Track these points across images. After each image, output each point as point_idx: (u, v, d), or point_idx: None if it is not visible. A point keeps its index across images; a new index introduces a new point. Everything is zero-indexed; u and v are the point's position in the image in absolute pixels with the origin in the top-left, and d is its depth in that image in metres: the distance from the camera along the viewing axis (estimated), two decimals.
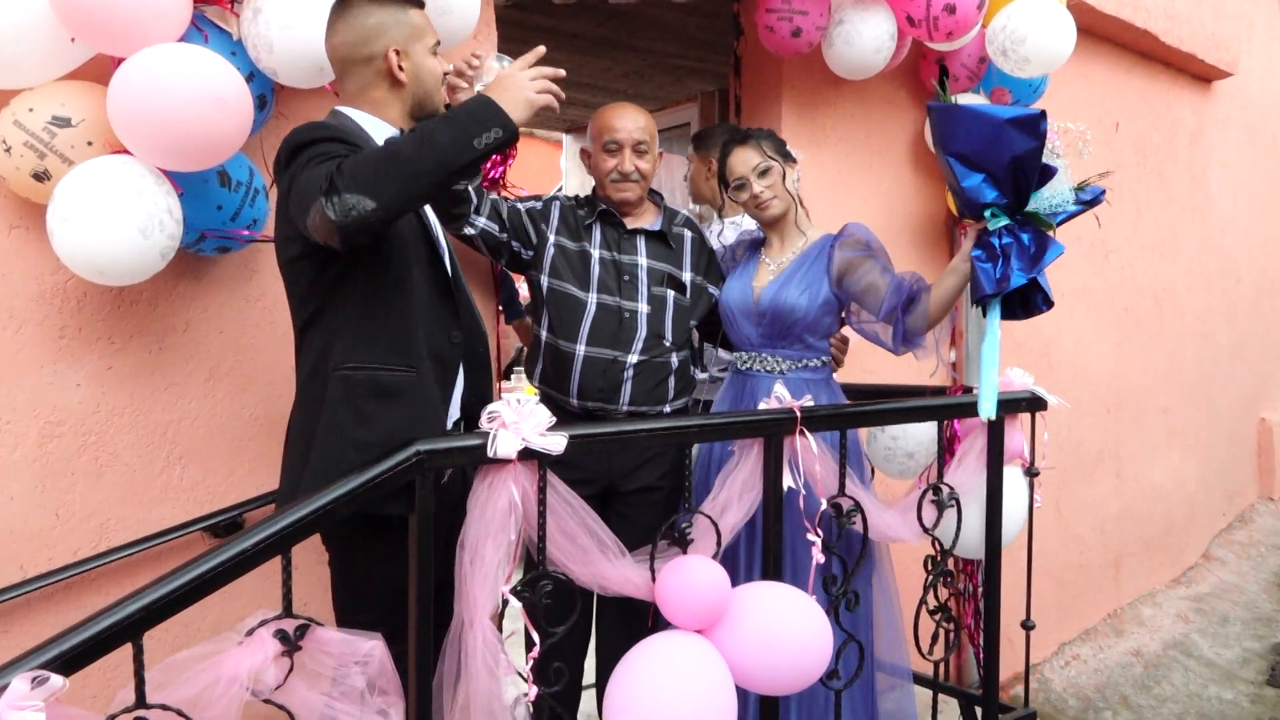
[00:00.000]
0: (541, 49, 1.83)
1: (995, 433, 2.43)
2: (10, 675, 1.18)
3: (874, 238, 2.43)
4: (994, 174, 2.12)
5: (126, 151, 1.85)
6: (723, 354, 2.94)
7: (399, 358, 1.78)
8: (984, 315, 2.23)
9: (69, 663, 1.25)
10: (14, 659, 1.22)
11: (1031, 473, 2.62)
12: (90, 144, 1.85)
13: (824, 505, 2.07)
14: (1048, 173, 2.15)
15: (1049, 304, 2.23)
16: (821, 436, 2.08)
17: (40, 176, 1.83)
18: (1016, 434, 2.56)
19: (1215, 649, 4.55)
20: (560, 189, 2.57)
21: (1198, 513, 5.55)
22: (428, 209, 1.95)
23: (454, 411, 1.95)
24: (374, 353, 1.77)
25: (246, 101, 1.86)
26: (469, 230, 2.37)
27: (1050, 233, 2.18)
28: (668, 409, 2.43)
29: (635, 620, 2.31)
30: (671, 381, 2.44)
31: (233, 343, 2.23)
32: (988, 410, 2.21)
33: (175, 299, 2.15)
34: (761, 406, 2.05)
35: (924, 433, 2.64)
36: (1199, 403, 5.50)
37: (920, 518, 2.28)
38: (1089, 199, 2.25)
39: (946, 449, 2.44)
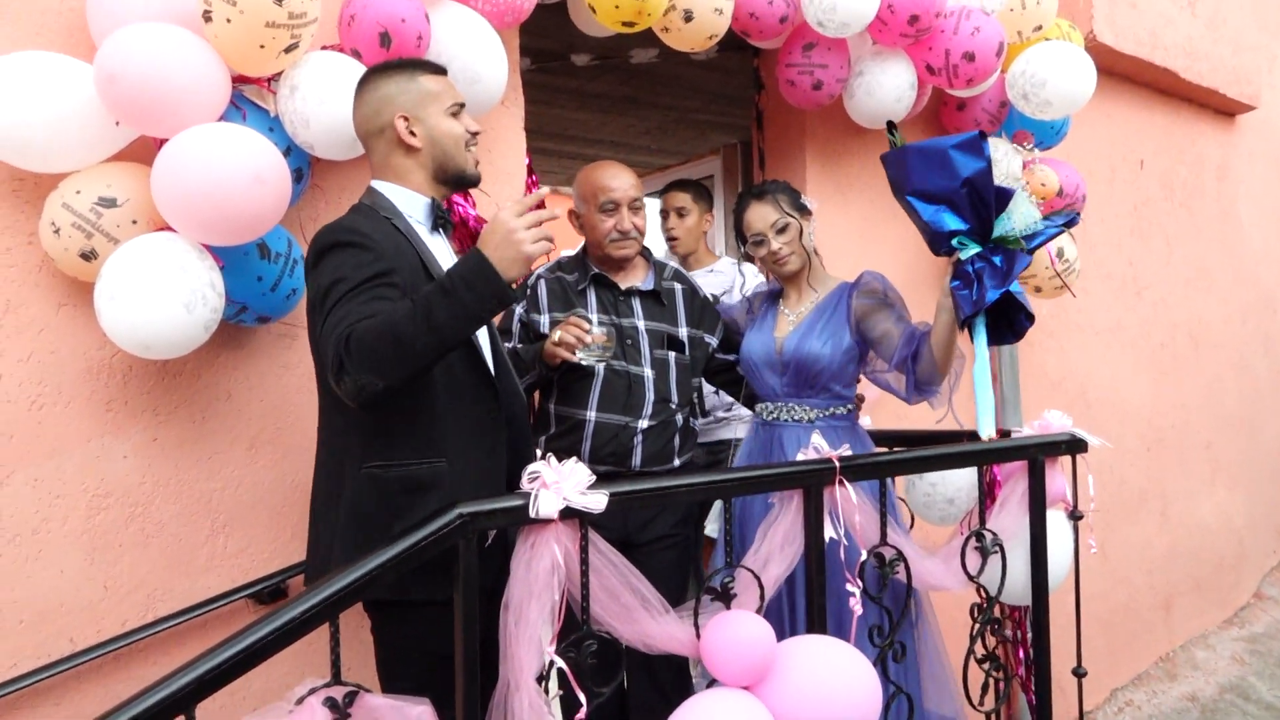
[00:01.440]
0: (545, 190, 1.85)
1: (1036, 476, 2.40)
2: None
3: (890, 286, 2.45)
4: (951, 202, 2.15)
5: (170, 229, 1.90)
6: (736, 407, 2.95)
7: (426, 451, 1.79)
8: (973, 340, 2.25)
9: None
10: None
11: (1075, 516, 2.58)
12: (135, 223, 1.91)
13: (864, 555, 2.05)
14: (1005, 196, 2.17)
15: (1030, 318, 2.24)
16: (859, 485, 2.07)
17: (88, 256, 1.89)
18: (1058, 477, 2.52)
19: (1274, 691, 4.41)
20: (579, 250, 2.60)
21: (1247, 550, 5.43)
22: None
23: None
24: (399, 451, 1.78)
25: (285, 177, 1.91)
26: None
27: (1025, 252, 2.19)
28: (676, 464, 2.46)
29: (658, 675, 2.31)
30: (677, 440, 2.48)
31: (273, 410, 2.27)
32: (986, 430, 2.21)
33: (217, 369, 2.20)
34: (799, 457, 2.04)
35: (963, 478, 2.61)
36: (1241, 437, 5.40)
37: (964, 565, 2.25)
38: (1065, 221, 2.26)
39: (987, 494, 2.41)
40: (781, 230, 2.45)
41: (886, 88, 3.04)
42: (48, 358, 2.01)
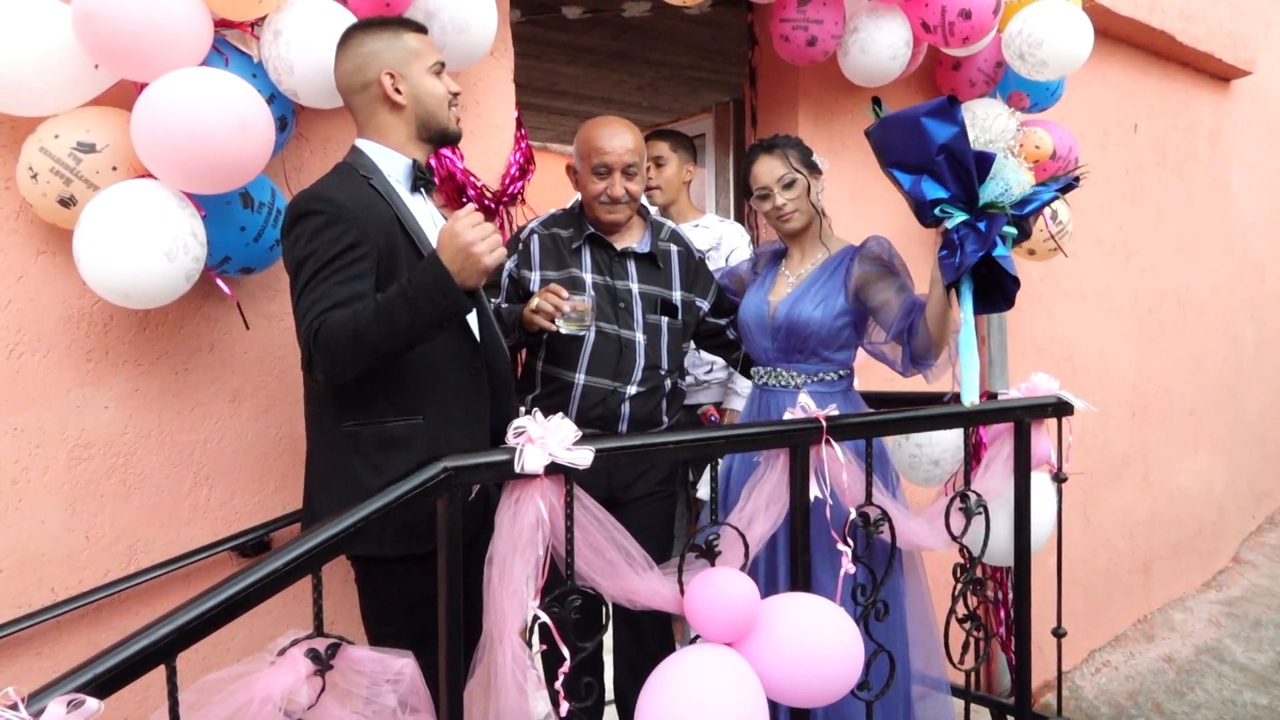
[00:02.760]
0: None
1: (1022, 438, 2.41)
2: (47, 699, 1.18)
3: (895, 254, 2.41)
4: (930, 170, 2.13)
5: (151, 175, 1.86)
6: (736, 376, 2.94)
7: (403, 409, 1.82)
8: (960, 306, 2.23)
9: (103, 685, 1.24)
10: (50, 682, 1.22)
11: (1059, 478, 2.59)
12: (115, 169, 1.87)
13: (852, 514, 2.06)
14: (985, 160, 2.14)
15: (1016, 282, 2.20)
16: (847, 445, 2.07)
17: (66, 202, 1.85)
18: (1043, 439, 2.53)
19: (1249, 654, 4.49)
20: (575, 204, 2.55)
21: (1227, 516, 5.49)
22: (434, 238, 1.94)
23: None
24: (376, 409, 1.81)
25: (268, 123, 1.87)
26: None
27: (1007, 216, 2.16)
28: (664, 426, 2.46)
29: (644, 632, 2.32)
30: (664, 404, 2.46)
31: (256, 362, 2.25)
32: (970, 397, 2.20)
33: (200, 320, 2.17)
34: (787, 416, 2.04)
35: (949, 440, 2.62)
36: (1225, 405, 5.44)
37: (948, 525, 2.26)
38: (1062, 185, 2.23)
39: (973, 455, 2.42)
40: (788, 185, 2.41)
41: (881, 45, 3.00)
42: (26, 305, 1.98)
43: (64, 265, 1.98)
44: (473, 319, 1.98)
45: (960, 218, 2.14)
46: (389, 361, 1.74)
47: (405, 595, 1.80)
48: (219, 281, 2.06)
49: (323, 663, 1.44)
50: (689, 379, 3.13)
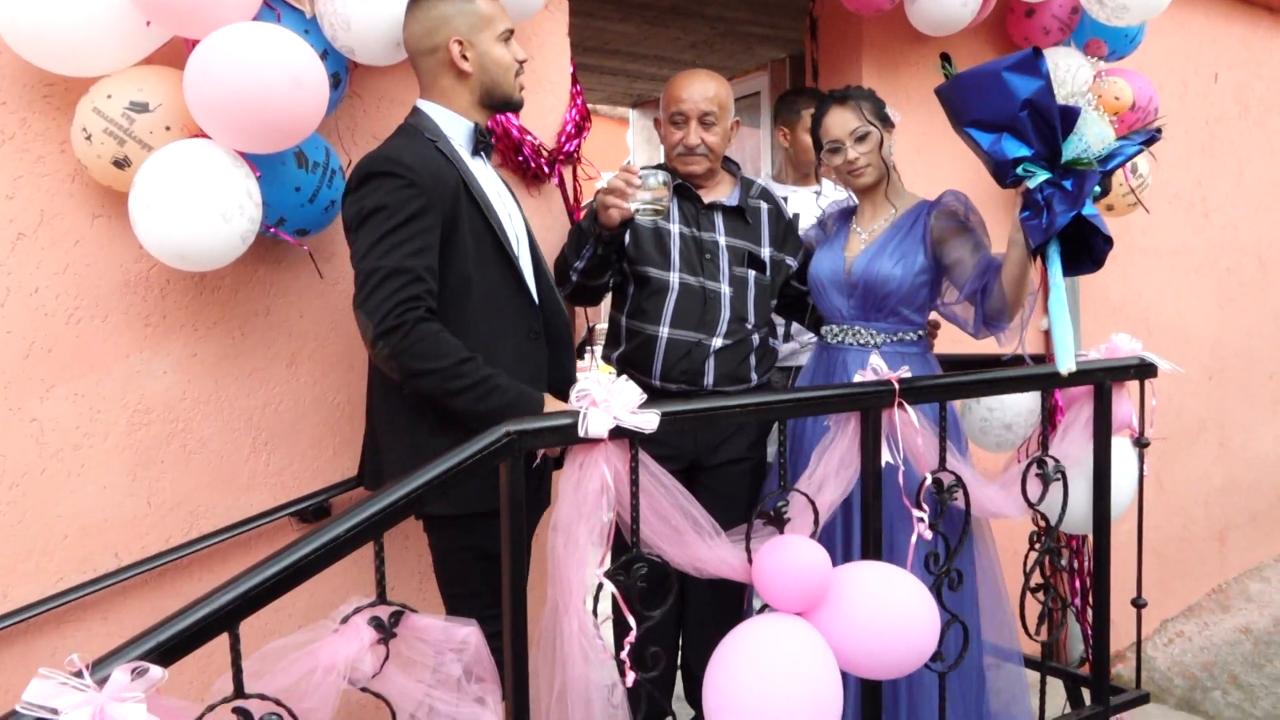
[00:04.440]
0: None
1: (1102, 401, 2.30)
2: (111, 666, 1.16)
3: (972, 209, 2.30)
4: (1012, 127, 2.00)
5: (205, 135, 1.82)
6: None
7: None
8: (1047, 270, 2.10)
9: (167, 653, 1.23)
10: (114, 650, 1.21)
11: (1141, 443, 2.48)
12: (168, 128, 1.83)
13: (926, 480, 1.98)
14: (1070, 115, 2.01)
15: (1109, 242, 2.07)
16: (920, 410, 1.99)
17: (120, 163, 1.82)
18: (1124, 402, 2.42)
19: None
20: (628, 163, 2.48)
21: None
22: (497, 202, 1.92)
23: None
24: None
25: (323, 80, 1.82)
26: None
27: (1098, 172, 2.02)
28: (753, 383, 2.38)
29: (725, 600, 2.25)
30: (753, 360, 2.38)
31: (313, 326, 2.22)
32: (1065, 363, 2.08)
33: (256, 284, 2.14)
34: (857, 379, 1.96)
35: (1023, 404, 2.51)
36: None
37: (1025, 492, 2.17)
38: (1144, 139, 2.09)
39: (1049, 420, 2.31)
40: (861, 139, 2.30)
41: None
42: (84, 270, 1.96)
43: (120, 228, 1.95)
44: (531, 279, 1.94)
45: (1043, 176, 2.02)
46: (438, 403, 1.76)
47: (477, 552, 1.80)
48: (283, 235, 2.01)
49: (386, 631, 1.41)
50: (793, 344, 3.03)
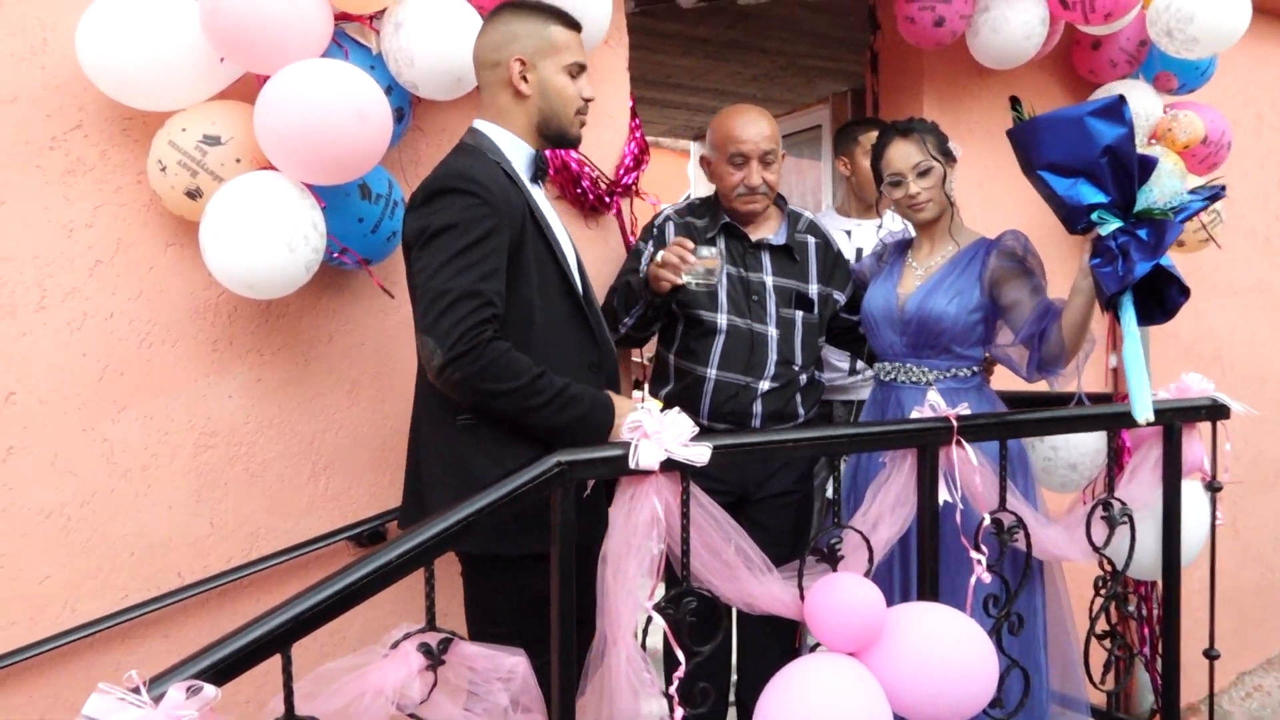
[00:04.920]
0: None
1: (1172, 443, 2.23)
2: (167, 684, 1.19)
3: (1032, 250, 2.26)
4: (1090, 173, 1.96)
5: (273, 167, 1.88)
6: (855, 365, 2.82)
7: None
8: (1120, 322, 2.05)
9: (221, 672, 1.24)
10: (170, 668, 1.23)
11: (1214, 487, 2.39)
12: (239, 161, 1.89)
13: (986, 520, 1.93)
14: (1148, 165, 1.97)
15: (1185, 293, 2.02)
16: (981, 448, 1.95)
17: (193, 194, 1.88)
18: (1195, 444, 2.34)
19: None
20: (688, 197, 2.48)
21: None
22: (555, 229, 1.90)
23: None
24: None
25: (386, 114, 1.86)
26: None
27: (1174, 222, 1.98)
28: (799, 422, 2.37)
29: (779, 633, 2.22)
30: (799, 397, 2.37)
31: (374, 354, 2.26)
32: (1143, 412, 2.02)
33: (319, 312, 2.19)
34: (914, 415, 1.93)
35: (1088, 443, 2.45)
36: None
37: (1089, 535, 2.11)
38: (1209, 195, 2.05)
39: (1115, 461, 2.25)
40: (924, 174, 2.28)
41: (1014, 24, 2.84)
42: (156, 296, 2.03)
43: (192, 257, 2.02)
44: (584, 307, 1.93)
45: (1116, 224, 1.98)
46: (511, 422, 1.74)
47: (516, 594, 1.76)
48: (347, 261, 2.05)
49: (434, 658, 1.42)
50: (856, 376, 2.99)
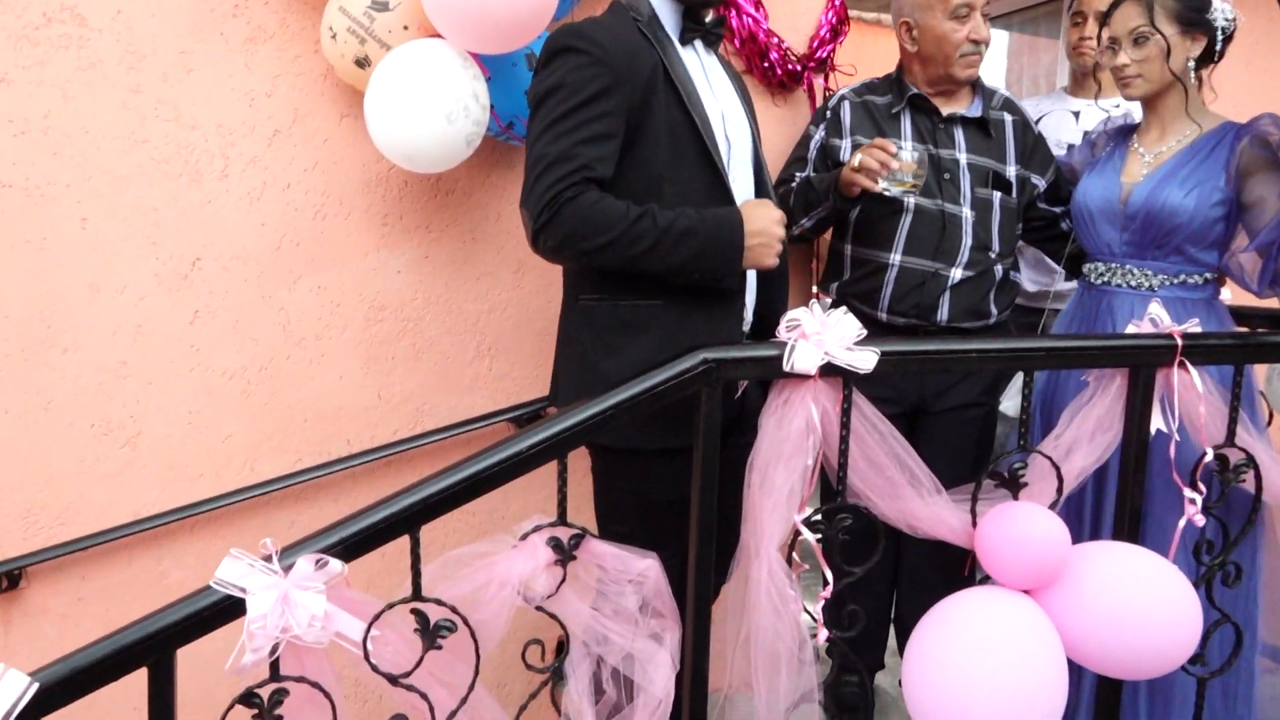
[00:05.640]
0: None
1: None
2: (298, 555, 1.19)
3: None
4: None
5: (439, 35, 1.81)
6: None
7: (642, 287, 1.63)
8: None
9: (350, 548, 1.24)
10: (301, 539, 1.23)
11: None
12: (406, 28, 1.83)
13: (1208, 456, 1.67)
14: None
15: None
16: (1205, 371, 1.67)
17: (361, 62, 1.84)
18: None
19: None
20: (893, 72, 2.21)
21: None
22: (708, 97, 1.70)
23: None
24: (614, 284, 1.64)
25: None
26: None
27: None
28: (992, 320, 2.12)
29: (946, 555, 2.05)
30: (993, 295, 2.11)
31: None
32: None
33: (489, 189, 2.14)
34: (1131, 329, 1.67)
35: None
36: None
37: None
38: None
39: None
40: (1138, 42, 1.93)
41: None
42: (331, 168, 2.03)
43: (364, 129, 1.99)
44: (742, 192, 1.75)
45: None
46: (617, 270, 1.60)
47: (644, 493, 1.69)
48: (514, 138, 1.98)
49: (564, 553, 1.37)
50: (1038, 285, 2.69)
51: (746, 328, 1.77)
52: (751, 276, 1.76)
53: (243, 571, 1.18)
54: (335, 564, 1.20)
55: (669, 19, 1.69)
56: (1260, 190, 1.88)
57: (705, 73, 1.73)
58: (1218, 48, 1.97)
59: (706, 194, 1.66)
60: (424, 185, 2.08)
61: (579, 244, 1.55)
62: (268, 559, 1.18)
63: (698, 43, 1.73)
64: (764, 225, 1.61)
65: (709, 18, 1.72)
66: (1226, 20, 1.95)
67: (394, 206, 2.08)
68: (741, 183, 1.75)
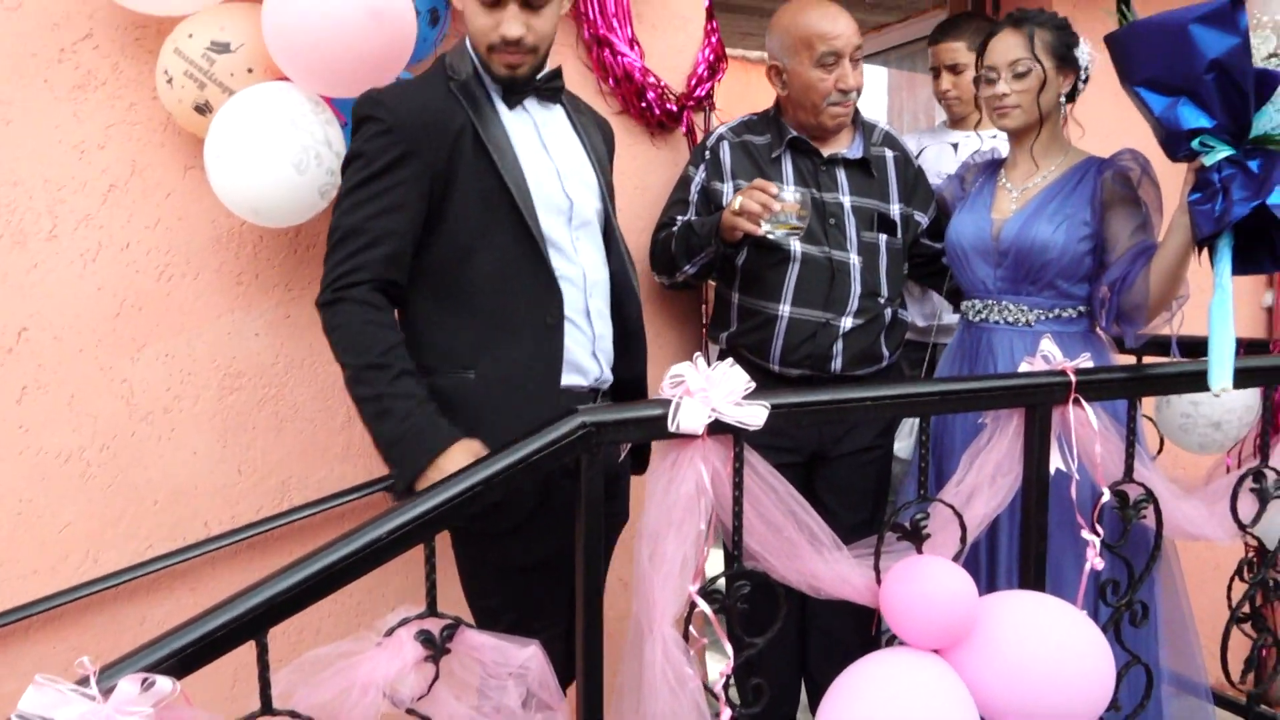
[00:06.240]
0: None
1: None
2: (121, 675, 1.03)
3: (1151, 177, 1.90)
4: (1191, 92, 1.60)
5: (286, 78, 1.67)
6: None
7: (453, 357, 1.55)
8: (1213, 266, 1.70)
9: (185, 662, 1.09)
10: (126, 655, 1.07)
11: None
12: (250, 70, 1.69)
13: (1106, 495, 1.63)
14: (1268, 82, 1.60)
15: None
16: (1099, 407, 1.64)
17: (201, 109, 1.69)
18: None
19: None
20: (770, 109, 2.15)
21: None
22: (533, 158, 1.59)
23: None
24: (426, 352, 1.56)
25: (406, 14, 1.63)
26: None
27: None
28: (884, 364, 2.08)
29: (858, 619, 1.97)
30: (884, 337, 2.07)
31: None
32: (1220, 380, 1.66)
33: None
34: (1024, 367, 1.63)
35: (1237, 400, 2.10)
36: None
37: (1235, 510, 1.78)
38: None
39: (1271, 422, 1.90)
40: (1020, 75, 1.93)
41: None
42: (175, 224, 1.86)
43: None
44: (563, 255, 1.61)
45: (1223, 153, 1.64)
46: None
47: (504, 564, 1.57)
48: None
49: (436, 647, 1.23)
50: (937, 321, 2.66)
51: (592, 383, 1.66)
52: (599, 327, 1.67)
53: (52, 700, 1.01)
54: (165, 683, 1.04)
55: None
56: (1115, 226, 1.92)
57: (538, 129, 1.62)
58: (1080, 85, 1.99)
59: (524, 262, 1.55)
60: (280, 240, 1.93)
61: (333, 345, 1.51)
62: (83, 682, 1.02)
63: (530, 100, 1.62)
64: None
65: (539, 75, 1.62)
66: (1088, 60, 1.98)
67: (248, 264, 1.91)
68: (586, 241, 1.65)
